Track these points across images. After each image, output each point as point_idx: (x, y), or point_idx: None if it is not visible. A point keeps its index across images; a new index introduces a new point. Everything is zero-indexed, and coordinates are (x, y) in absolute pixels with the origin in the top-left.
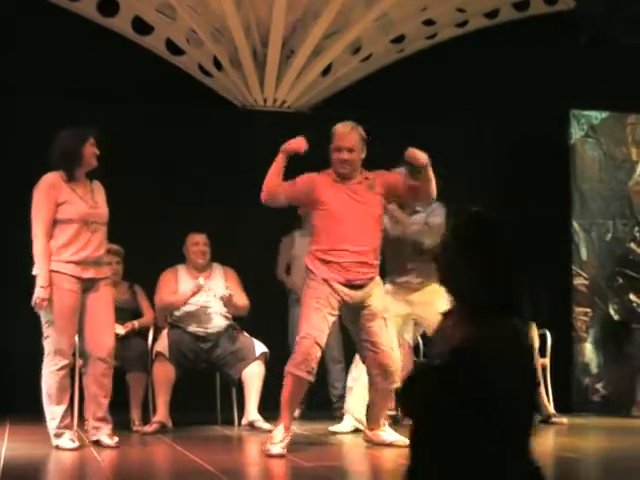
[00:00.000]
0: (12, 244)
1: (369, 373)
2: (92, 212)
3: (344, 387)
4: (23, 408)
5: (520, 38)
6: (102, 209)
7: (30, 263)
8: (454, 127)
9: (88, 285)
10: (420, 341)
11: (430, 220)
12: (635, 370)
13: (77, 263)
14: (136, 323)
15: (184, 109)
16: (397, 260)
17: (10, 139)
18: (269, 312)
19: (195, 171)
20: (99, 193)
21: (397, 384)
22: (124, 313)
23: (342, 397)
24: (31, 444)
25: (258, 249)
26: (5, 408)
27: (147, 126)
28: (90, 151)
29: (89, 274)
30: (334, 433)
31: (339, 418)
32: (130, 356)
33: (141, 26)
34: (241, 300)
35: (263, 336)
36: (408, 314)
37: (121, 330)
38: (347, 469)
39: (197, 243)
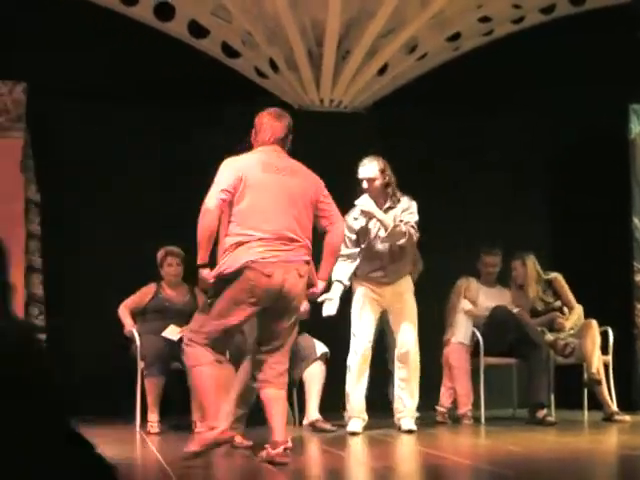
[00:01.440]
0: None
1: None
2: None
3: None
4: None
5: (578, 31)
6: None
7: None
8: (511, 121)
9: None
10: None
11: (406, 218)
12: None
13: None
14: None
15: (241, 111)
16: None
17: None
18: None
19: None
20: None
21: None
22: (184, 315)
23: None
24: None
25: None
26: None
27: (205, 129)
28: None
29: None
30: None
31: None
32: None
33: (197, 30)
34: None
35: (324, 336)
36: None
37: (175, 336)
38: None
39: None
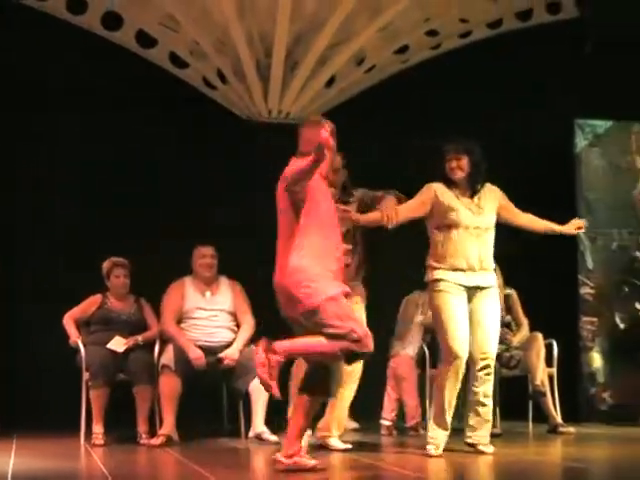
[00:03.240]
0: None
1: None
2: None
3: None
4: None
5: (524, 48)
6: None
7: None
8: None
9: None
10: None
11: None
12: None
13: None
14: (140, 338)
15: (189, 122)
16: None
17: None
18: (276, 323)
19: (201, 183)
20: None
21: None
22: (130, 326)
23: None
24: (38, 459)
25: (265, 260)
26: (9, 424)
27: (151, 139)
28: None
29: None
30: None
31: None
32: (136, 369)
33: (145, 39)
34: (247, 321)
35: None
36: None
37: (120, 347)
38: None
39: (204, 256)
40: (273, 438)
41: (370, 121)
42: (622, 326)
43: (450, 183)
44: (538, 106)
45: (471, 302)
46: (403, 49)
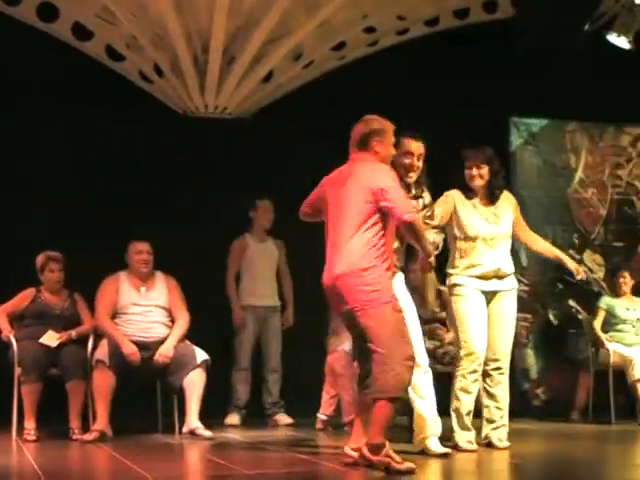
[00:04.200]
0: None
1: None
2: None
3: (278, 395)
4: None
5: (460, 46)
6: None
7: None
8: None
9: None
10: None
11: None
12: (573, 375)
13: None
14: (73, 332)
15: (125, 115)
16: None
17: None
18: (211, 318)
19: (136, 177)
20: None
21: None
22: (63, 321)
23: (276, 404)
24: None
25: (202, 255)
26: None
27: (87, 132)
28: None
29: None
30: None
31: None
32: (69, 364)
33: (81, 32)
34: (182, 317)
35: (204, 343)
36: None
37: (53, 342)
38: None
39: (140, 251)
40: (207, 433)
41: (307, 117)
42: (556, 323)
43: (468, 190)
44: (473, 104)
45: (489, 304)
46: (340, 45)
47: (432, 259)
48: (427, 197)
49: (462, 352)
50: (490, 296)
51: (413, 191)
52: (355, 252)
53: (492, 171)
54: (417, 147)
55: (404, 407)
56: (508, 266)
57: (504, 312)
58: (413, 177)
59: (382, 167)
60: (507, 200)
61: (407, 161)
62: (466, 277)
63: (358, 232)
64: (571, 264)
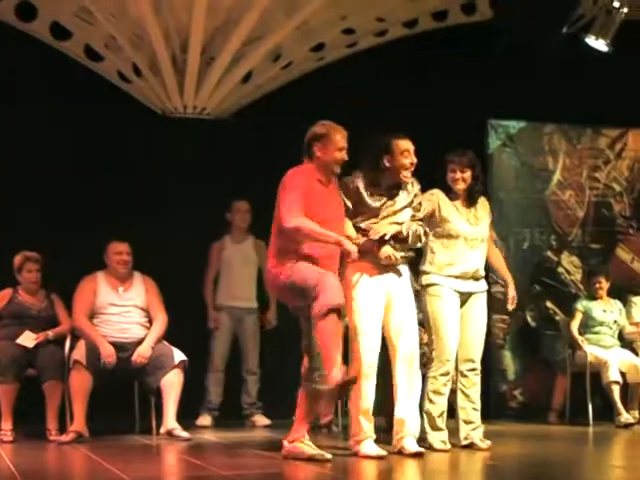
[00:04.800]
0: None
1: None
2: None
3: (256, 396)
4: None
5: (438, 48)
6: None
7: None
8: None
9: None
10: None
11: None
12: (550, 376)
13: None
14: (50, 333)
15: (103, 115)
16: None
17: None
18: (190, 319)
19: (115, 177)
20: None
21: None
22: (40, 321)
23: (253, 404)
24: None
25: (181, 256)
26: None
27: (65, 132)
28: None
29: None
30: None
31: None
32: (46, 364)
33: (60, 31)
34: (160, 318)
35: (181, 344)
36: None
37: (30, 343)
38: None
39: (120, 252)
40: (184, 435)
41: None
42: (533, 324)
43: (450, 192)
44: (451, 106)
45: (462, 306)
46: (319, 46)
47: (354, 249)
48: (416, 186)
49: (435, 354)
50: (465, 297)
51: (409, 187)
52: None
53: (474, 176)
54: (410, 144)
55: (381, 408)
56: (483, 269)
57: (478, 313)
58: (409, 175)
59: (292, 172)
60: (483, 206)
61: (407, 160)
62: (443, 277)
63: (275, 235)
64: (511, 292)
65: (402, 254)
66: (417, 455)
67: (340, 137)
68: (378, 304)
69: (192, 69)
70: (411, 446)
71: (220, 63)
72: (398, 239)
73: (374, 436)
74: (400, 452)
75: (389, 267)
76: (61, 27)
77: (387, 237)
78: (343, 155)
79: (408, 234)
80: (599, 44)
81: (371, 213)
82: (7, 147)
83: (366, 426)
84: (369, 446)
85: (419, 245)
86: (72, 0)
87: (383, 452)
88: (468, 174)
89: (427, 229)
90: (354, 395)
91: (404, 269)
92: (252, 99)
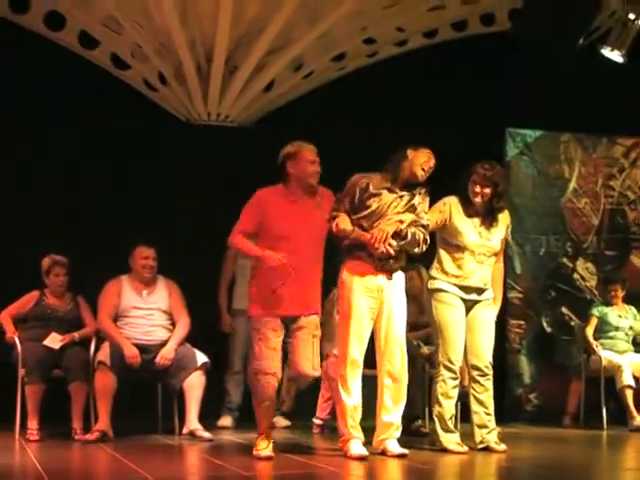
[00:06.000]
0: None
1: None
2: None
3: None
4: None
5: (458, 57)
6: None
7: None
8: (392, 144)
9: None
10: None
11: None
12: (565, 381)
13: None
14: (76, 335)
15: (130, 123)
16: None
17: None
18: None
19: (140, 184)
20: None
21: None
22: (66, 323)
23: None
24: None
25: (205, 260)
26: None
27: (93, 140)
28: None
29: None
30: None
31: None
32: (72, 365)
33: (87, 40)
34: (183, 320)
35: (204, 346)
36: None
37: (56, 344)
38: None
39: (147, 257)
40: (206, 435)
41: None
42: (548, 330)
43: (467, 201)
44: (470, 115)
45: (470, 312)
46: (340, 56)
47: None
48: (418, 199)
49: (442, 358)
50: (470, 304)
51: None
52: None
53: (495, 192)
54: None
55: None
56: (489, 282)
57: (486, 319)
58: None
59: (256, 192)
60: (503, 218)
61: (426, 167)
62: (449, 284)
63: None
64: (497, 307)
65: (397, 248)
66: (401, 456)
67: (310, 152)
68: (369, 304)
69: (216, 78)
70: (394, 448)
71: (243, 72)
72: (397, 235)
73: (362, 437)
74: (383, 453)
75: (384, 269)
76: (89, 36)
77: (388, 243)
78: (316, 167)
79: (407, 233)
80: (615, 55)
81: (372, 215)
82: (38, 152)
83: (352, 425)
84: (356, 447)
85: (417, 251)
86: (100, 10)
87: (366, 452)
88: (488, 190)
89: (428, 237)
90: (337, 395)
91: (399, 276)
92: (274, 107)
